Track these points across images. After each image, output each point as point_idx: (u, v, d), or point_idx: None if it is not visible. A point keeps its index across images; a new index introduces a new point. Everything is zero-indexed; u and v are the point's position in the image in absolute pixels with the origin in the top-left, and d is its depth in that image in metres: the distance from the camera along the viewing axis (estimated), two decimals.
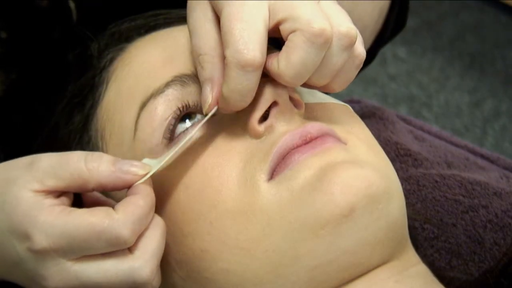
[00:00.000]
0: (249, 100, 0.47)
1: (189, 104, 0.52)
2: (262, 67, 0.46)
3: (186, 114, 0.52)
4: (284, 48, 0.46)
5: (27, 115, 0.66)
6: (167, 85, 0.53)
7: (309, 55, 0.45)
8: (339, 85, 0.50)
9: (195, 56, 0.49)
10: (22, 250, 0.47)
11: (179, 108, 0.52)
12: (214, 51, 0.48)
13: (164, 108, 0.52)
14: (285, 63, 0.46)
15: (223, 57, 0.48)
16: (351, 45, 0.47)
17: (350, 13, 0.65)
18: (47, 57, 0.66)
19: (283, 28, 0.46)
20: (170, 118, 0.52)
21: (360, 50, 0.49)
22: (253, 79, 0.46)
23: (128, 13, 0.62)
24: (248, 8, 0.46)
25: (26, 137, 0.64)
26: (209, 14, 0.49)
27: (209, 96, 0.48)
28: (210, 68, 0.48)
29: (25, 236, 0.46)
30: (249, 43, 0.45)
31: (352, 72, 0.49)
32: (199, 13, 0.49)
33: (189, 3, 0.51)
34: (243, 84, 0.46)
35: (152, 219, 0.48)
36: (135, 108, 0.53)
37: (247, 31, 0.45)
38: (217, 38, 0.48)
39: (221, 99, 0.48)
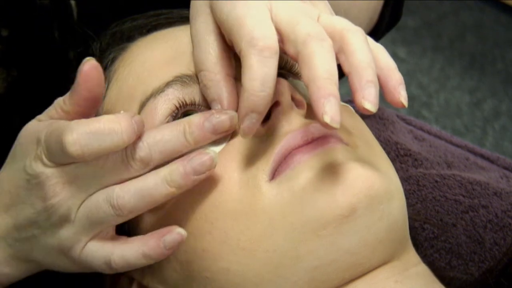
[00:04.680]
0: (269, 90, 0.45)
1: (185, 102, 0.52)
2: (278, 53, 0.45)
3: (186, 113, 0.52)
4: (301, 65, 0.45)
5: (28, 113, 0.66)
6: (168, 84, 0.52)
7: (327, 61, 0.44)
8: None
9: (197, 71, 0.50)
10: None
11: (176, 106, 0.52)
12: (215, 67, 0.48)
13: (164, 108, 0.52)
14: (308, 73, 0.44)
15: (226, 74, 0.48)
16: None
17: (347, 13, 0.66)
18: (48, 55, 0.66)
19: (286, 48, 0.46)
20: (169, 117, 0.52)
21: None
22: (272, 65, 0.44)
23: (130, 12, 0.62)
24: (255, 10, 0.45)
25: None
26: (211, 26, 0.49)
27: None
28: (215, 88, 0.49)
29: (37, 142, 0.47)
30: (263, 30, 0.44)
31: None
32: (201, 24, 0.49)
33: (191, 13, 0.51)
34: (263, 71, 0.44)
35: None
36: (136, 107, 0.53)
37: (258, 23, 0.45)
38: (218, 52, 0.48)
39: (241, 101, 0.46)
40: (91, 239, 0.49)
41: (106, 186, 0.47)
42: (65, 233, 0.48)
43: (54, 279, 0.56)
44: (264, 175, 0.48)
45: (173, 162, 0.47)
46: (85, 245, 0.49)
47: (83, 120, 0.45)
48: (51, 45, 0.66)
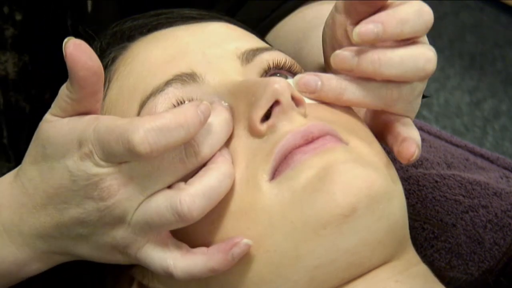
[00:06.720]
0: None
1: (184, 101, 0.52)
2: None
3: None
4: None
5: (35, 98, 0.66)
6: (167, 83, 0.52)
7: None
8: None
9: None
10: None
11: (174, 106, 0.52)
12: None
13: (164, 107, 0.52)
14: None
15: None
16: None
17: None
18: (59, 42, 0.66)
19: None
20: None
21: None
22: None
23: (131, 12, 0.63)
24: None
25: (34, 121, 0.64)
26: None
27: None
28: None
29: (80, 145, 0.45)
30: None
31: None
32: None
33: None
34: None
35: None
36: (136, 106, 0.53)
37: None
38: None
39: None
40: (149, 240, 0.48)
41: (162, 187, 0.46)
42: (120, 233, 0.47)
43: (57, 278, 0.56)
44: (264, 175, 0.48)
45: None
46: (143, 246, 0.48)
47: (147, 117, 0.44)
48: (63, 33, 0.66)
